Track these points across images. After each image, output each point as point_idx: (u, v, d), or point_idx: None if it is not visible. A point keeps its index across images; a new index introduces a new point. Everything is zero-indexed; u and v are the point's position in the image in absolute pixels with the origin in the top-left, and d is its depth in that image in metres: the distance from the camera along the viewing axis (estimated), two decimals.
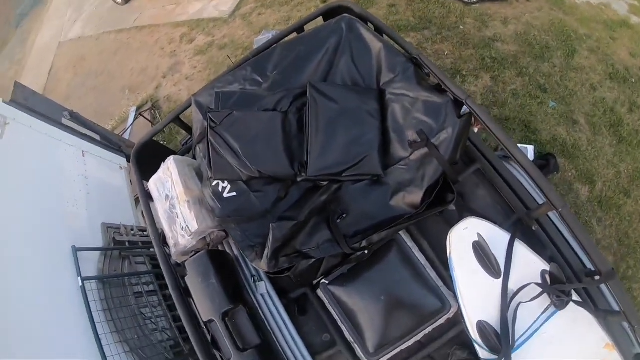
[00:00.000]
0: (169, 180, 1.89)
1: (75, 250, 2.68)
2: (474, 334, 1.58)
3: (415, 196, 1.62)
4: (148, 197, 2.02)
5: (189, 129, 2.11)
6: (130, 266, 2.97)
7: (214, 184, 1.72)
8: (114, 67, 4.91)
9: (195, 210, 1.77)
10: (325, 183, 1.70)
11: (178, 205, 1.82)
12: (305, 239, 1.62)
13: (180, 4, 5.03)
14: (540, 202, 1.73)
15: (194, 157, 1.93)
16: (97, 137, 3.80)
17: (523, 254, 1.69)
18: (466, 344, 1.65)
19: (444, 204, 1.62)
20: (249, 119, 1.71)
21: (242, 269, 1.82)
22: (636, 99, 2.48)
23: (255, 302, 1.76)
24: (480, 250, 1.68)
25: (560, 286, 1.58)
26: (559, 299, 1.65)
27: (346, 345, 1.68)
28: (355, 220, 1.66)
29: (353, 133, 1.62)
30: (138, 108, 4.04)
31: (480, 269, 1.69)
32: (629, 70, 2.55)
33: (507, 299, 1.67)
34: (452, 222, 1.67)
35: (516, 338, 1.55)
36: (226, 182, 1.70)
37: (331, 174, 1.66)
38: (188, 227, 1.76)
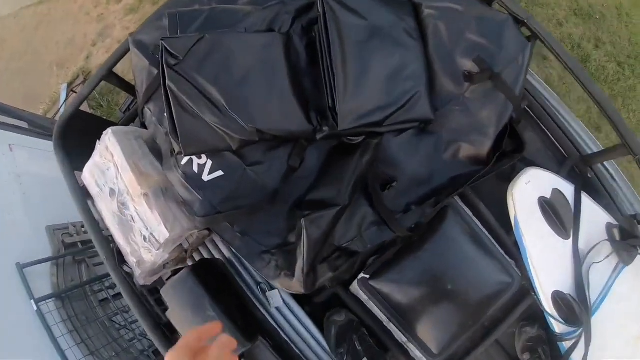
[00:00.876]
0: (111, 165, 0.95)
1: (21, 267, 1.66)
2: (549, 307, 0.98)
3: (479, 147, 0.90)
4: (84, 195, 1.04)
5: (130, 88, 1.14)
6: (89, 270, 2.00)
7: (183, 161, 0.81)
8: (38, 43, 3.47)
9: (160, 207, 0.87)
10: (357, 139, 0.84)
11: (131, 203, 0.91)
12: (344, 227, 0.83)
13: None
14: (584, 144, 1.12)
15: (144, 126, 0.99)
16: (25, 125, 2.62)
17: (587, 206, 1.04)
18: (533, 317, 1.07)
19: (512, 156, 0.92)
20: (233, 46, 0.77)
21: (240, 275, 0.98)
22: (601, 36, 2.01)
23: (271, 320, 0.96)
24: (549, 208, 0.98)
25: (633, 241, 1.03)
26: (630, 254, 1.18)
27: (399, 349, 0.99)
28: (404, 188, 0.88)
29: (392, 62, 0.81)
30: (69, 84, 2.78)
31: (549, 230, 0.99)
32: (592, 7, 2.07)
33: (580, 261, 1.17)
34: (503, 175, 1.01)
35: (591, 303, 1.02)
36: (204, 157, 0.81)
37: (371, 124, 0.80)
38: (153, 236, 0.87)
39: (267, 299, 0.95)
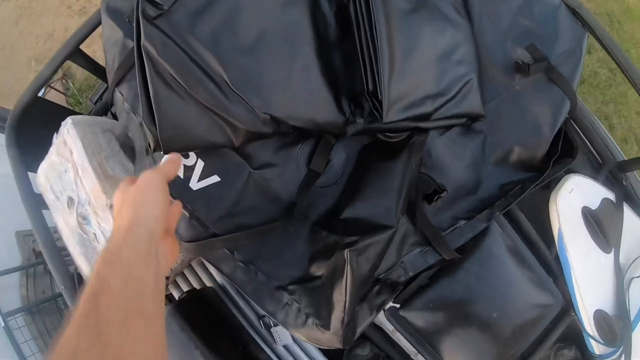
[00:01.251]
0: (69, 166, 0.63)
1: None
2: (590, 328, 0.77)
3: (533, 150, 0.67)
4: (38, 203, 0.72)
5: (102, 71, 0.79)
6: None
7: (164, 159, 0.46)
8: (17, 37, 3.00)
9: None
10: (398, 135, 0.57)
11: (93, 217, 0.61)
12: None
13: None
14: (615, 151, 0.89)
15: (115, 117, 0.69)
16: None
17: (626, 216, 0.83)
18: (569, 338, 0.86)
19: (564, 161, 0.70)
20: (240, 1, 0.48)
21: (237, 306, 0.69)
22: (593, 42, 1.86)
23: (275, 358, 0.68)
24: (593, 219, 0.77)
25: None
26: None
27: None
28: (450, 199, 0.62)
29: (442, 41, 0.55)
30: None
31: (592, 244, 0.78)
32: None
33: (622, 276, 0.98)
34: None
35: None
36: (193, 155, 0.52)
37: (419, 116, 0.54)
38: None
39: (271, 336, 0.70)
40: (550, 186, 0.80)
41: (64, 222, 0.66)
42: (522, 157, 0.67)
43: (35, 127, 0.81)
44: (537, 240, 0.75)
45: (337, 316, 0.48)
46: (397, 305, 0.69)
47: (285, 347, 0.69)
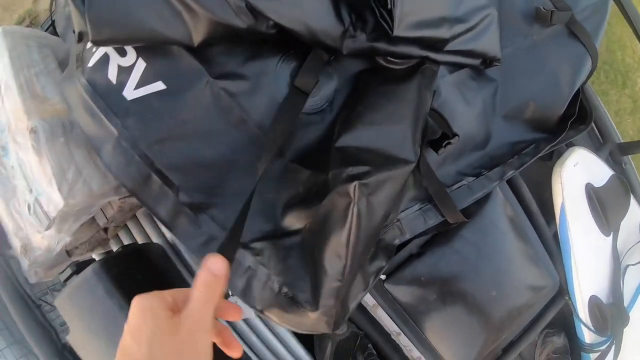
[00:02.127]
0: None
1: None
2: (584, 314, 0.64)
3: (550, 108, 0.53)
4: None
5: None
6: None
7: (92, 60, 0.33)
8: None
9: (55, 153, 0.38)
10: (403, 62, 0.39)
11: (12, 145, 0.40)
12: None
13: None
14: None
15: (54, 30, 0.48)
16: None
17: None
18: (558, 325, 0.73)
19: (578, 128, 0.56)
20: None
21: (188, 270, 0.51)
22: None
23: (236, 335, 0.52)
24: (596, 198, 0.64)
25: None
26: None
27: None
28: (456, 150, 0.45)
29: None
30: None
31: (593, 224, 0.65)
32: None
33: (619, 262, 0.86)
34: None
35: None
36: (132, 52, 0.32)
37: (433, 40, 0.37)
38: (39, 205, 0.38)
39: None
40: (552, 158, 0.67)
41: None
42: (536, 115, 0.53)
43: None
44: (538, 215, 0.62)
45: (329, 287, 0.31)
46: (382, 277, 0.55)
47: (246, 321, 0.53)
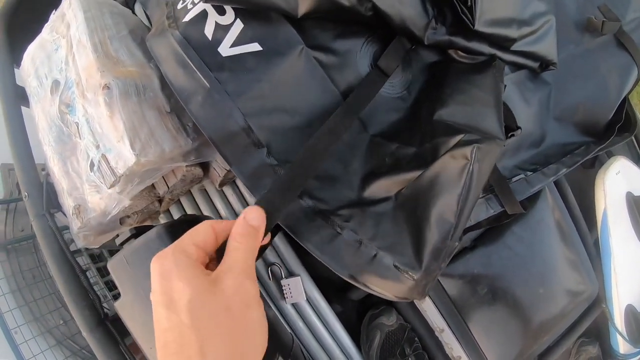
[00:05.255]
0: (62, 43, 0.42)
1: None
2: (620, 323, 0.62)
3: (599, 113, 0.53)
4: (16, 96, 0.50)
5: None
6: None
7: (189, 15, 0.32)
8: None
9: (127, 112, 0.36)
10: (474, 58, 0.39)
11: (80, 101, 0.38)
12: None
13: None
14: None
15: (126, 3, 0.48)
16: None
17: None
18: (592, 333, 0.70)
19: (622, 134, 0.56)
20: None
21: None
22: None
23: (282, 320, 0.49)
24: (636, 207, 0.64)
25: None
26: None
27: None
28: (515, 146, 0.47)
29: None
30: None
31: (632, 233, 0.64)
32: None
33: None
34: (584, 162, 0.55)
35: None
36: (231, 12, 0.31)
37: (504, 38, 0.39)
38: (106, 161, 0.36)
39: (280, 290, 0.51)
40: (594, 165, 0.67)
41: (42, 113, 0.46)
42: (586, 119, 0.53)
43: (33, 18, 0.62)
44: (580, 220, 0.61)
45: (435, 248, 0.29)
46: None
47: (295, 306, 0.50)
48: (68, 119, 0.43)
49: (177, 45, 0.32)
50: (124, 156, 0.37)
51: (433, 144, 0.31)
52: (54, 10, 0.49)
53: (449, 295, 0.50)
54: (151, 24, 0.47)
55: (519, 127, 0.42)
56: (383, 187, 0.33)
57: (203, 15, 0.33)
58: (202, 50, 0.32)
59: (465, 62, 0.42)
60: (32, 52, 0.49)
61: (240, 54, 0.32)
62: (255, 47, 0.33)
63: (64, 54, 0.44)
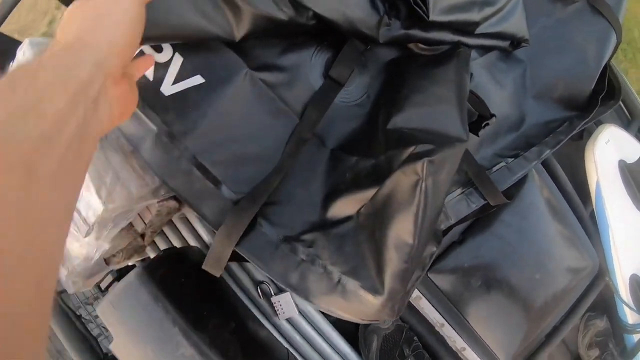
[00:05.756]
0: None
1: None
2: (625, 294, 0.61)
3: (579, 85, 0.50)
4: None
5: None
6: None
7: None
8: None
9: (93, 161, 0.35)
10: (436, 48, 0.38)
11: None
12: None
13: None
14: None
15: None
16: None
17: None
18: (600, 307, 0.68)
19: (607, 103, 0.54)
20: None
21: (228, 271, 0.48)
22: None
23: (277, 335, 0.48)
24: (630, 174, 0.61)
25: None
26: None
27: (453, 358, 0.54)
28: (492, 132, 0.44)
29: None
30: None
31: (629, 201, 0.62)
32: None
33: None
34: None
35: None
36: (168, 48, 0.31)
37: (465, 23, 0.37)
38: (79, 213, 0.36)
39: (272, 307, 0.51)
40: (582, 137, 0.65)
41: None
42: (566, 93, 0.51)
43: None
44: (573, 195, 0.59)
45: (396, 270, 0.29)
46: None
47: (289, 320, 0.51)
48: None
49: None
50: (93, 205, 0.37)
51: (387, 156, 0.30)
52: (10, 63, 0.49)
53: (442, 291, 0.50)
54: None
55: (493, 115, 0.41)
56: (344, 205, 0.32)
57: (140, 55, 0.32)
58: (144, 94, 0.32)
59: (426, 54, 0.40)
60: None
61: (183, 90, 0.32)
62: (197, 80, 0.32)
63: None
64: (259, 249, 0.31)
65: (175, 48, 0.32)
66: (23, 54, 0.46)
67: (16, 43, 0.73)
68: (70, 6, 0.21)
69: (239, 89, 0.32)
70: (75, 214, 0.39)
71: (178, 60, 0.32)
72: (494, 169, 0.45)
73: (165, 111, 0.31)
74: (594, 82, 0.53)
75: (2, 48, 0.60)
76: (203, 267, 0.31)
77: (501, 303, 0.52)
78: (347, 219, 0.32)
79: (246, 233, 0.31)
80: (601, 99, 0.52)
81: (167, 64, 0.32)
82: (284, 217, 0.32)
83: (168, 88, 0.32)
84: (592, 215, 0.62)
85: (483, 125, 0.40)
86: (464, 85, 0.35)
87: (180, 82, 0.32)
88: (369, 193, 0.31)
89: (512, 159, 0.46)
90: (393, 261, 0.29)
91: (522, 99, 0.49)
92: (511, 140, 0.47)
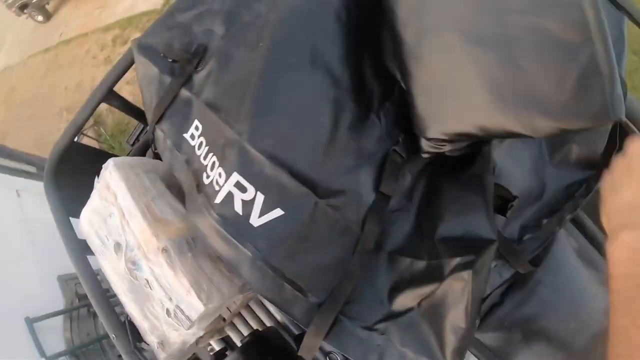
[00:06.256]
0: (114, 210, 0.54)
1: (30, 322, 1.21)
2: None
3: (592, 146, 0.56)
4: (82, 249, 0.64)
5: (139, 112, 0.74)
6: None
7: (219, 197, 0.42)
8: (46, 90, 3.00)
9: (187, 267, 0.47)
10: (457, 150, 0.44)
11: (145, 262, 0.50)
12: None
13: (108, 6, 3.16)
14: None
15: (158, 157, 0.58)
16: (34, 170, 2.11)
17: None
18: None
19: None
20: None
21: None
22: None
23: None
24: None
25: None
26: None
27: None
28: (517, 208, 0.52)
29: None
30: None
31: None
32: None
33: None
34: None
35: None
36: (251, 188, 0.41)
37: (469, 135, 0.40)
38: (181, 310, 0.47)
39: None
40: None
41: (111, 268, 0.58)
42: (581, 155, 0.57)
43: (73, 172, 0.74)
44: (603, 242, 0.64)
45: (453, 348, 0.38)
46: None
47: None
48: (136, 274, 0.53)
49: (216, 224, 0.41)
50: (195, 306, 0.47)
51: (439, 262, 0.39)
52: (96, 178, 0.60)
53: (488, 347, 0.56)
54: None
55: (515, 197, 0.48)
56: (406, 299, 0.40)
57: (229, 196, 0.41)
58: (237, 225, 0.41)
59: (454, 155, 0.47)
60: (88, 216, 0.60)
61: (269, 220, 0.40)
62: (278, 212, 0.40)
63: (118, 220, 0.55)
64: (342, 339, 0.40)
65: (257, 188, 0.41)
66: (110, 174, 0.57)
67: (99, 153, 0.86)
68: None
69: (312, 216, 0.41)
70: (179, 312, 0.49)
71: (260, 197, 0.41)
72: (523, 240, 0.51)
73: (256, 239, 0.40)
74: (606, 140, 0.58)
75: (87, 158, 0.72)
76: (299, 354, 0.39)
77: (542, 352, 0.57)
78: (410, 309, 0.40)
79: (331, 328, 0.39)
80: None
81: (252, 202, 0.41)
82: (359, 313, 0.40)
83: (256, 220, 0.41)
84: None
85: (508, 207, 0.47)
86: (490, 189, 0.43)
87: (265, 215, 0.41)
88: (426, 290, 0.39)
89: (538, 227, 0.52)
90: (452, 341, 0.38)
91: (541, 168, 0.55)
92: (535, 210, 0.53)
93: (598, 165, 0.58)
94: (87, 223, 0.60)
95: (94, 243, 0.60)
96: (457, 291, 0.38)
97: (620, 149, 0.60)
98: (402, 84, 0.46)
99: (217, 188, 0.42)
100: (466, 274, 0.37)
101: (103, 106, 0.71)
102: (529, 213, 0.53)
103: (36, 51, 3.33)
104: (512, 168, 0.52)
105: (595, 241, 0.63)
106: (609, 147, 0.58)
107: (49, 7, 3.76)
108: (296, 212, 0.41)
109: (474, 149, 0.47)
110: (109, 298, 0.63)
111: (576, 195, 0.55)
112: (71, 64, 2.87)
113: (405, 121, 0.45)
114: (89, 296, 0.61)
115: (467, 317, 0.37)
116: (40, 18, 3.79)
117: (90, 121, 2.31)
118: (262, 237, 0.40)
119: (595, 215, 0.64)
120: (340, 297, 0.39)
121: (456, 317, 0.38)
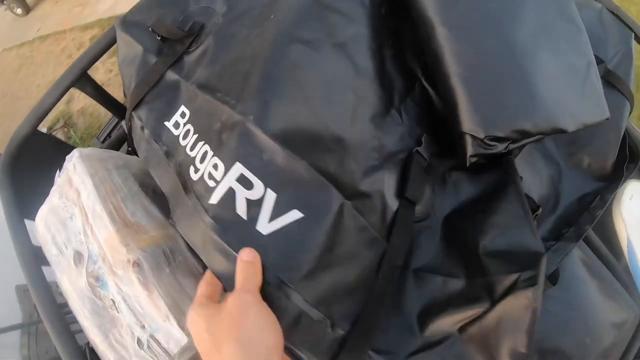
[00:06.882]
0: (75, 210, 0.40)
1: None
2: None
3: (603, 158, 0.53)
4: (36, 259, 0.47)
5: (115, 106, 0.58)
6: None
7: (215, 196, 0.30)
8: (18, 86, 2.68)
9: (164, 286, 0.34)
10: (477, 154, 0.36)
11: (110, 277, 0.36)
12: None
13: (89, 4, 2.89)
14: None
15: (132, 151, 0.46)
16: None
17: None
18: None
19: (629, 166, 0.56)
20: None
21: None
22: None
23: None
24: None
25: None
26: None
27: None
28: (539, 218, 0.47)
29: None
30: (49, 129, 1.96)
31: None
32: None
33: None
34: None
35: None
36: (259, 183, 0.29)
37: (524, 132, 0.35)
38: (156, 341, 0.34)
39: None
40: None
41: (70, 283, 0.44)
42: (592, 167, 0.54)
43: (34, 166, 0.59)
44: (607, 254, 0.61)
45: None
46: None
47: None
48: (100, 292, 0.41)
49: (212, 232, 0.30)
50: (175, 336, 0.35)
51: (487, 281, 0.31)
52: (58, 171, 0.47)
53: None
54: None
55: (539, 206, 0.42)
56: (442, 324, 0.33)
57: (230, 193, 0.31)
58: (239, 232, 0.30)
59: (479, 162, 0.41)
60: (45, 217, 0.47)
61: (283, 226, 0.30)
62: (296, 214, 0.30)
63: (80, 224, 0.42)
64: None
65: (267, 183, 0.31)
66: (73, 167, 0.44)
67: (67, 146, 0.70)
68: (194, 329, 0.28)
69: (338, 221, 0.31)
70: (154, 343, 0.36)
71: (271, 196, 0.31)
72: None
73: (264, 252, 0.30)
74: (616, 152, 0.55)
75: (51, 151, 0.58)
76: None
77: None
78: (448, 336, 0.32)
79: None
80: (625, 167, 0.55)
81: (260, 201, 0.31)
82: (388, 345, 0.31)
83: (264, 226, 0.30)
84: (627, 270, 0.64)
85: (534, 216, 0.41)
86: (524, 198, 0.37)
87: (278, 219, 0.30)
88: (470, 313, 0.31)
89: (555, 241, 0.47)
90: None
91: (556, 176, 0.51)
92: (552, 223, 0.49)
93: (608, 177, 0.55)
94: (42, 225, 0.47)
95: (50, 251, 0.47)
96: (518, 312, 0.31)
97: (630, 160, 0.57)
98: (424, 81, 0.39)
99: (211, 184, 0.31)
100: (530, 292, 0.30)
101: (75, 106, 0.58)
102: (546, 226, 0.49)
103: (11, 45, 3.00)
104: (531, 179, 0.48)
105: (600, 254, 0.59)
106: (619, 159, 0.55)
107: (29, 1, 3.46)
108: (319, 216, 0.31)
109: (495, 157, 0.41)
110: (65, 315, 0.48)
111: (591, 207, 0.51)
112: (46, 61, 2.60)
113: (427, 121, 0.38)
114: (42, 317, 0.46)
115: (529, 341, 0.31)
116: (19, 11, 3.46)
117: (61, 122, 2.06)
118: (273, 249, 0.30)
119: (597, 229, 0.61)
120: (369, 329, 0.29)
121: (517, 342, 0.30)
